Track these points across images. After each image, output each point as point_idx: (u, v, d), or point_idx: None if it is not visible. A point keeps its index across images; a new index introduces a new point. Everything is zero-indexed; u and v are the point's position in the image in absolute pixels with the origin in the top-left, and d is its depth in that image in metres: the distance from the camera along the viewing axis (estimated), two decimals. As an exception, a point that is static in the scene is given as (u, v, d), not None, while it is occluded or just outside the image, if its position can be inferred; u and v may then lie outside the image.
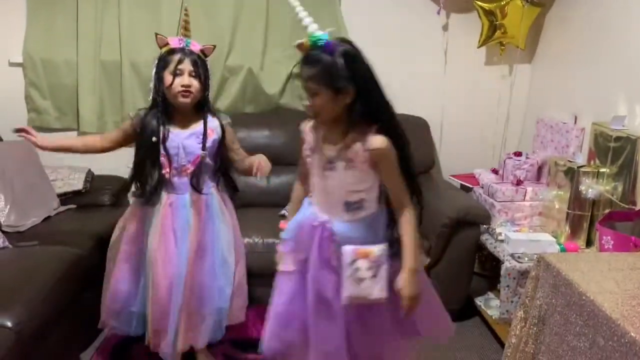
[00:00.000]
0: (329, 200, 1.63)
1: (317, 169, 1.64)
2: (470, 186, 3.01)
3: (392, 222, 1.63)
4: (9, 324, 1.72)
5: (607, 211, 2.32)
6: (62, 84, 3.12)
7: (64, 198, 2.82)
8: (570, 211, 2.46)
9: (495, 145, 3.38)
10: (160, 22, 3.09)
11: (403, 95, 3.21)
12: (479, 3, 3.02)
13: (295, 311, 1.66)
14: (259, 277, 2.53)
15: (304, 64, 1.54)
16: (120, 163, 3.16)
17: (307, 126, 1.70)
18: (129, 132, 2.03)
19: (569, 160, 2.57)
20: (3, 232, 2.32)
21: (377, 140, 1.53)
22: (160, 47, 2.00)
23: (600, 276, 1.54)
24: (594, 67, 2.70)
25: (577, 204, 2.44)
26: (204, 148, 2.00)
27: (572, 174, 2.45)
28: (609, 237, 2.07)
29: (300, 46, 1.53)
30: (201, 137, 2.00)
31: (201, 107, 2.03)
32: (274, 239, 2.54)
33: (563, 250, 2.38)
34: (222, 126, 2.06)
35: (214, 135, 2.03)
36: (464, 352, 2.47)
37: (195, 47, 1.99)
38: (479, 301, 2.74)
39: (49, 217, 2.63)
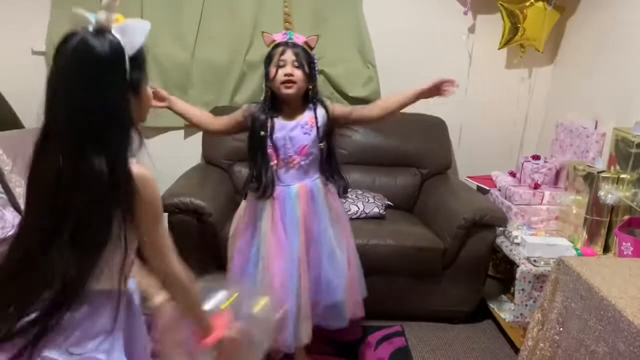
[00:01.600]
0: None
1: None
2: (487, 188, 3.00)
3: None
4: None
5: (626, 217, 2.30)
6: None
7: (83, 186, 2.84)
8: (588, 216, 2.44)
9: (513, 148, 3.36)
10: (182, 13, 3.11)
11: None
12: (503, 4, 3.01)
13: None
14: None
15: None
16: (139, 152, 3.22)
17: None
18: (240, 121, 2.05)
19: (589, 165, 2.55)
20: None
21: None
22: (267, 45, 2.01)
23: (622, 281, 1.53)
24: (616, 72, 2.68)
25: (596, 210, 2.42)
26: (321, 140, 2.01)
27: (592, 179, 2.43)
28: (628, 244, 2.05)
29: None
30: (306, 127, 2.00)
31: (309, 99, 2.03)
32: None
33: (580, 255, 2.37)
34: (326, 109, 2.04)
35: (318, 123, 2.02)
36: (475, 354, 2.47)
37: (299, 39, 1.99)
38: (492, 304, 2.73)
39: (67, 204, 2.64)
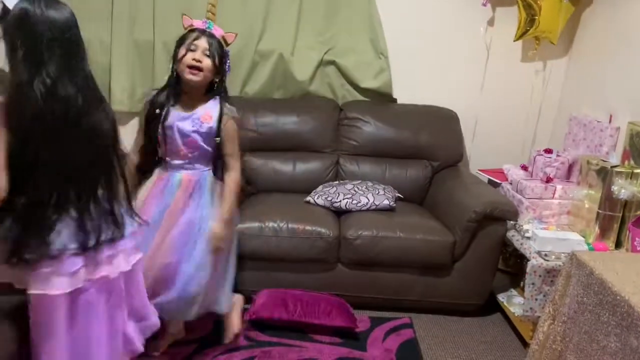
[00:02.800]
0: None
1: None
2: (499, 181, 2.98)
3: None
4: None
5: (639, 213, 2.28)
6: (96, 62, 3.09)
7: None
8: (600, 211, 2.42)
9: (526, 142, 3.34)
10: (193, 1, 3.10)
11: (434, 86, 3.24)
12: (521, -6, 2.98)
13: None
14: (283, 261, 2.57)
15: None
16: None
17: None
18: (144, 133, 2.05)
19: (602, 160, 2.52)
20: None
21: None
22: (185, 28, 2.01)
23: (636, 276, 1.52)
24: (631, 66, 2.64)
25: (609, 204, 2.40)
26: (217, 135, 1.99)
27: (605, 173, 2.40)
28: (641, 239, 2.03)
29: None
30: (197, 121, 1.98)
31: (212, 94, 2.02)
32: (298, 224, 2.55)
33: (591, 250, 2.35)
34: (223, 115, 2.00)
35: (210, 122, 1.99)
36: (484, 347, 2.46)
37: (217, 31, 2.00)
38: (502, 297, 2.72)
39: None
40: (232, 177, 2.05)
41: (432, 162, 3.10)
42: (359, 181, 2.93)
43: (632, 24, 2.67)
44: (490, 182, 3.07)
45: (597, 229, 2.43)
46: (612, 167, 2.39)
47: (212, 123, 1.99)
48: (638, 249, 2.04)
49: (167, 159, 2.03)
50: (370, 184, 2.89)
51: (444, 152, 3.12)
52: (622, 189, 2.32)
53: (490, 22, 3.20)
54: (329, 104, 3.19)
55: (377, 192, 2.81)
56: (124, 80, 3.16)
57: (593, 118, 2.83)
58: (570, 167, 2.84)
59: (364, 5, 3.14)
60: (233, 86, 3.21)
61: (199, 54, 1.93)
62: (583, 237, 2.44)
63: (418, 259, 2.57)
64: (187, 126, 1.98)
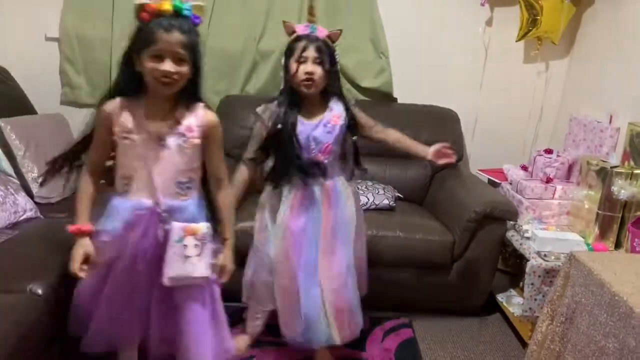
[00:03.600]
0: (160, 181, 1.55)
1: (141, 149, 1.53)
2: (498, 181, 2.98)
3: (210, 203, 1.67)
4: (39, 291, 1.74)
5: (639, 213, 2.28)
6: (96, 60, 3.15)
7: (94, 173, 2.85)
8: (600, 212, 2.42)
9: (526, 142, 3.34)
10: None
11: (435, 86, 3.24)
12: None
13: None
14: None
15: (173, 27, 1.44)
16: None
17: (110, 107, 1.54)
18: (263, 133, 1.98)
19: (602, 160, 2.52)
20: (35, 202, 2.36)
21: (210, 115, 1.59)
22: (289, 35, 1.95)
23: (635, 277, 1.52)
24: (632, 67, 2.64)
25: (608, 205, 2.40)
26: (345, 136, 1.99)
27: (605, 174, 2.40)
28: (641, 240, 2.03)
29: (152, 5, 1.44)
30: (329, 125, 1.94)
31: (328, 95, 1.98)
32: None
33: (591, 250, 2.35)
34: (348, 110, 2.00)
35: (339, 121, 1.97)
36: (483, 347, 2.46)
37: (322, 32, 1.92)
38: (501, 297, 2.72)
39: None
40: (394, 132, 2.17)
41: (432, 162, 3.09)
42: (359, 180, 2.93)
43: (633, 24, 2.66)
44: (490, 182, 3.07)
45: (596, 230, 2.43)
46: (612, 167, 2.39)
47: (341, 120, 1.97)
48: (637, 249, 2.04)
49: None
50: (370, 183, 2.89)
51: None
52: (622, 189, 2.32)
53: (489, 23, 3.20)
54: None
55: (376, 191, 2.81)
56: (124, 79, 3.16)
57: (593, 118, 2.82)
58: (570, 168, 2.84)
59: (365, 4, 3.14)
60: (234, 85, 3.22)
61: (310, 66, 1.87)
62: (582, 237, 2.44)
63: (417, 258, 2.57)
64: (321, 133, 1.94)
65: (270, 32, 3.17)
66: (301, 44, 1.88)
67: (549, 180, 2.73)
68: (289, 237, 1.98)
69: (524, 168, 2.96)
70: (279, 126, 1.91)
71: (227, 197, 1.68)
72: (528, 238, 2.51)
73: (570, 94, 3.23)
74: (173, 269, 1.55)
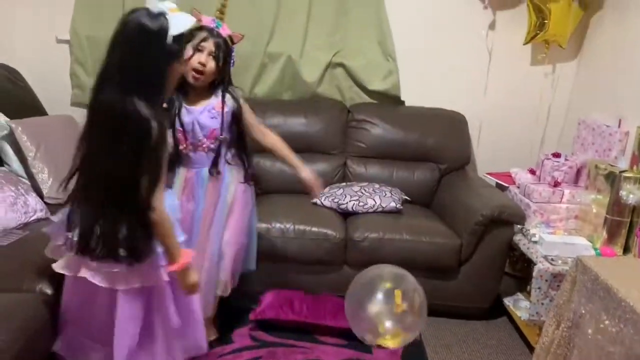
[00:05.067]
0: None
1: None
2: (506, 185, 2.97)
3: None
4: (48, 291, 1.77)
5: (647, 218, 2.27)
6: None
7: (103, 174, 2.88)
8: (608, 216, 2.41)
9: (534, 145, 3.33)
10: (202, 4, 3.12)
11: (442, 89, 3.24)
12: (532, -1, 2.98)
13: None
14: (289, 262, 2.58)
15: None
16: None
17: None
18: None
19: (611, 164, 2.51)
20: (45, 203, 2.38)
21: None
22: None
23: (641, 283, 1.51)
24: (642, 70, 2.63)
25: (617, 209, 2.38)
26: (222, 129, 2.04)
27: (613, 178, 2.39)
28: (649, 245, 2.02)
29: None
30: (213, 111, 2.03)
31: (215, 86, 2.06)
32: (305, 226, 2.57)
33: (599, 255, 2.34)
34: (235, 99, 2.08)
35: (225, 108, 2.05)
36: (490, 351, 2.46)
37: (225, 31, 2.02)
38: (508, 301, 2.71)
39: (88, 191, 2.68)
40: (273, 136, 2.20)
41: (439, 165, 3.10)
42: (366, 183, 2.94)
43: (643, 28, 2.65)
44: (497, 185, 3.06)
45: (604, 234, 2.42)
46: (620, 171, 2.38)
47: (227, 108, 2.04)
48: (645, 254, 2.03)
49: (191, 154, 2.06)
50: (377, 186, 2.90)
51: (452, 155, 3.12)
52: (631, 194, 2.31)
53: (492, 26, 3.19)
54: (337, 106, 3.20)
55: (384, 194, 2.81)
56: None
57: (602, 122, 2.81)
58: (579, 172, 2.82)
59: (372, 7, 3.15)
60: (242, 88, 3.22)
61: (205, 57, 1.96)
62: (590, 242, 2.43)
63: (424, 261, 2.57)
64: (205, 119, 2.02)
65: (278, 36, 3.19)
66: (202, 34, 1.98)
67: (556, 184, 2.72)
68: (184, 217, 2.00)
69: (532, 172, 2.95)
70: (164, 105, 1.92)
71: None
72: (535, 242, 2.50)
73: (579, 97, 3.22)
74: None
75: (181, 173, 2.08)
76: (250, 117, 2.15)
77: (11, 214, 2.13)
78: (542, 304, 2.33)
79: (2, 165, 2.48)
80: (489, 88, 3.26)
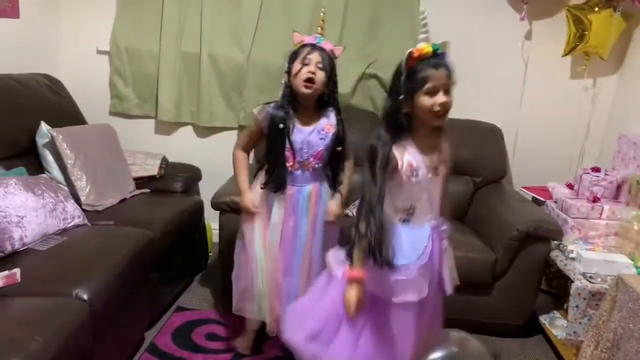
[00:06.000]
0: (432, 207, 1.71)
1: (423, 182, 1.65)
2: (543, 199, 2.91)
3: None
4: (85, 296, 1.80)
5: (692, 236, 2.19)
6: (144, 72, 3.26)
7: (139, 182, 2.94)
8: (650, 233, 2.33)
9: (572, 159, 3.25)
10: (240, 17, 3.18)
11: (478, 100, 3.20)
12: (571, 10, 2.92)
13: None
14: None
15: (439, 65, 1.60)
16: (194, 152, 3.31)
17: (398, 149, 1.63)
18: (256, 131, 2.12)
19: (653, 180, 2.43)
20: (83, 210, 2.44)
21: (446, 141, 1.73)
22: (295, 44, 2.07)
23: (686, 304, 1.45)
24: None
25: (659, 227, 2.31)
26: (336, 145, 2.08)
27: (656, 194, 2.32)
28: (694, 264, 1.94)
29: (416, 52, 1.61)
30: (322, 132, 2.06)
31: (324, 104, 2.09)
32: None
33: (640, 274, 2.26)
34: (341, 122, 2.10)
35: (332, 129, 2.08)
36: (524, 370, 2.40)
37: (327, 45, 2.05)
38: (544, 319, 2.64)
39: (124, 199, 2.74)
40: (349, 164, 2.22)
41: (474, 178, 3.05)
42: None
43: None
44: (534, 200, 3.00)
45: (646, 252, 2.34)
46: (663, 188, 2.30)
47: (334, 129, 2.08)
48: (690, 274, 1.95)
49: (297, 172, 2.08)
50: (410, 198, 2.87)
51: (487, 167, 3.07)
52: (674, 211, 2.23)
53: (528, 37, 3.15)
54: (370, 118, 3.19)
55: (416, 207, 2.78)
56: (170, 91, 3.25)
57: (644, 136, 2.73)
58: (619, 187, 2.74)
59: (406, 18, 3.14)
60: (276, 99, 3.24)
61: (313, 67, 1.99)
62: (632, 260, 2.35)
63: (458, 276, 2.52)
64: (315, 139, 2.05)
65: (313, 47, 3.20)
66: (306, 49, 2.01)
67: (595, 200, 2.65)
68: (286, 233, 2.10)
69: (570, 186, 2.88)
70: (281, 126, 2.00)
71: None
72: (573, 259, 2.44)
73: (620, 110, 3.13)
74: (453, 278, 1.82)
75: (286, 189, 2.10)
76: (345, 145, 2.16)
77: (50, 219, 2.19)
78: (580, 322, 2.26)
79: (43, 172, 2.55)
80: (525, 100, 3.20)
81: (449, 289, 1.76)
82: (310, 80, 1.98)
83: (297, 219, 2.11)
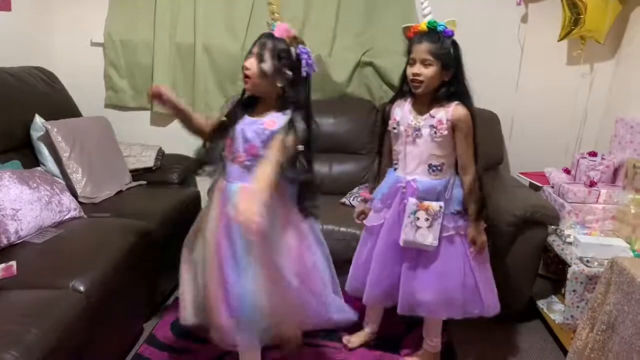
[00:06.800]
0: (414, 163, 2.00)
1: (404, 137, 2.00)
2: (540, 185, 2.90)
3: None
4: (81, 288, 1.81)
5: (689, 219, 2.18)
6: (139, 64, 3.24)
7: (136, 174, 2.94)
8: (647, 217, 2.33)
9: (569, 144, 3.24)
10: (234, 6, 3.16)
11: (474, 86, 3.17)
12: (566, -7, 2.91)
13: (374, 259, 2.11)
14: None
15: (425, 38, 1.91)
16: (190, 143, 3.30)
17: (390, 106, 2.08)
18: (220, 119, 1.90)
19: (650, 163, 2.43)
20: (79, 202, 2.44)
21: (459, 110, 1.94)
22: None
23: (680, 285, 1.45)
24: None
25: (656, 210, 2.31)
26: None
27: (653, 177, 2.32)
28: (690, 246, 1.94)
29: (412, 29, 1.95)
30: (261, 127, 1.77)
31: (283, 105, 1.80)
32: (333, 226, 2.56)
33: (637, 256, 2.26)
34: (292, 125, 1.76)
35: (274, 127, 1.77)
36: (522, 354, 2.41)
37: (278, 30, 1.75)
38: (542, 304, 2.65)
39: (120, 191, 2.74)
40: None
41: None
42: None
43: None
44: (531, 185, 2.99)
45: (643, 236, 2.34)
46: (660, 171, 2.30)
47: (274, 128, 1.77)
48: (686, 256, 1.96)
49: (229, 163, 1.84)
50: (406, 186, 2.86)
51: (484, 154, 3.02)
52: (671, 193, 2.23)
53: (524, 20, 3.13)
54: (366, 106, 3.19)
55: (413, 194, 2.78)
56: (165, 82, 3.23)
57: (641, 120, 2.72)
58: (616, 171, 2.74)
59: (401, 5, 3.12)
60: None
61: (248, 61, 1.75)
62: (629, 243, 2.35)
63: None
64: (251, 131, 1.79)
65: (307, 36, 3.13)
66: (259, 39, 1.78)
67: (592, 184, 2.64)
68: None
69: (567, 171, 2.88)
70: (225, 111, 1.85)
71: (469, 183, 1.99)
72: (570, 243, 2.44)
73: (617, 94, 3.12)
74: (406, 235, 1.99)
75: (219, 183, 1.88)
76: (278, 144, 1.76)
77: (46, 212, 2.19)
78: (577, 307, 2.27)
79: (38, 165, 2.55)
80: (521, 85, 3.19)
81: (400, 239, 2.01)
82: (244, 75, 1.76)
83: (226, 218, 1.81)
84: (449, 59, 1.93)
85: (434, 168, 2.00)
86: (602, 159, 2.75)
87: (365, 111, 3.16)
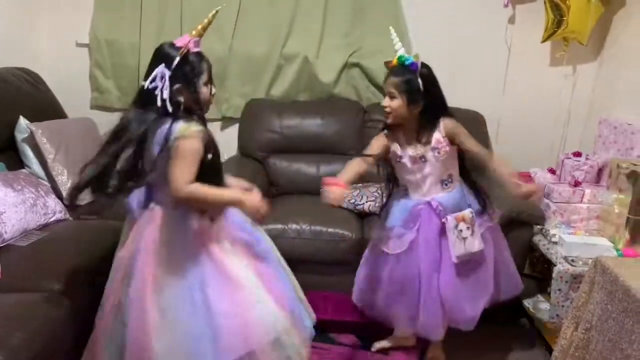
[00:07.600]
0: (428, 184, 2.06)
1: (410, 167, 2.06)
2: (525, 185, 2.92)
3: (475, 190, 2.13)
4: (66, 291, 1.80)
5: (671, 218, 2.22)
6: (125, 65, 3.22)
7: (122, 176, 2.91)
8: (631, 216, 2.35)
9: (554, 145, 3.27)
10: (220, 3, 3.14)
11: (460, 87, 3.19)
12: (549, -5, 2.93)
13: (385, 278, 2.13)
14: (305, 263, 2.57)
15: (392, 73, 1.98)
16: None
17: (379, 141, 2.10)
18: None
19: (633, 163, 2.46)
20: (65, 205, 2.42)
21: (448, 124, 2.02)
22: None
23: (662, 284, 1.48)
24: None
25: (639, 209, 2.33)
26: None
27: (636, 177, 2.34)
28: (672, 245, 1.97)
29: (388, 63, 2.01)
30: (159, 139, 1.59)
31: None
32: (321, 227, 2.56)
33: (621, 256, 2.29)
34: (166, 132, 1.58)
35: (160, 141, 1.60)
36: (509, 353, 2.43)
37: (178, 41, 1.68)
38: (528, 303, 2.66)
39: (107, 193, 2.72)
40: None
41: (457, 165, 3.05)
42: (383, 184, 2.91)
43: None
44: (517, 185, 3.01)
45: (627, 235, 2.37)
46: (642, 170, 2.33)
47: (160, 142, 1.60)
48: (669, 255, 1.98)
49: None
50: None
51: (469, 154, 3.07)
52: (653, 193, 2.26)
53: (512, 22, 3.16)
54: (353, 106, 3.19)
55: (400, 194, 2.79)
56: (152, 83, 3.21)
57: (624, 120, 2.75)
58: (600, 171, 2.77)
59: (389, 7, 3.13)
60: (259, 89, 3.24)
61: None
62: (612, 242, 2.38)
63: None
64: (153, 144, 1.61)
65: (295, 36, 3.19)
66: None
67: (577, 184, 2.67)
68: None
69: (552, 171, 2.90)
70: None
71: (498, 163, 2.05)
72: (555, 243, 2.46)
73: (600, 95, 3.15)
74: (457, 250, 2.02)
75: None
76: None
77: (31, 215, 2.17)
78: (563, 306, 2.29)
79: (23, 168, 2.52)
80: (507, 86, 3.21)
81: (453, 257, 2.02)
82: None
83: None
84: (413, 92, 1.95)
85: (446, 182, 2.08)
86: (587, 159, 2.78)
87: (352, 112, 3.16)
